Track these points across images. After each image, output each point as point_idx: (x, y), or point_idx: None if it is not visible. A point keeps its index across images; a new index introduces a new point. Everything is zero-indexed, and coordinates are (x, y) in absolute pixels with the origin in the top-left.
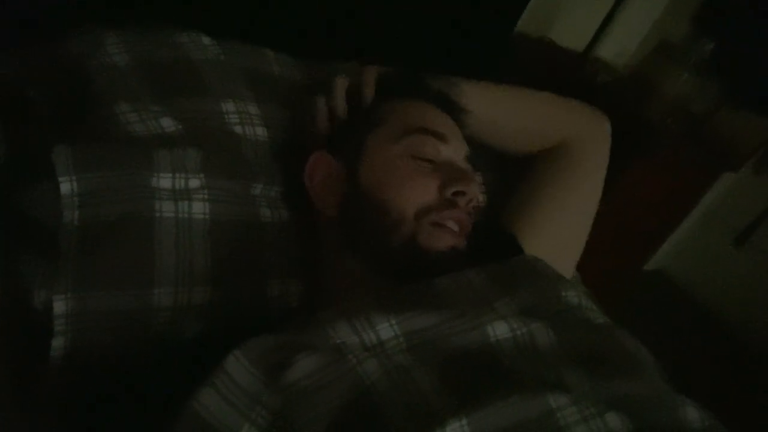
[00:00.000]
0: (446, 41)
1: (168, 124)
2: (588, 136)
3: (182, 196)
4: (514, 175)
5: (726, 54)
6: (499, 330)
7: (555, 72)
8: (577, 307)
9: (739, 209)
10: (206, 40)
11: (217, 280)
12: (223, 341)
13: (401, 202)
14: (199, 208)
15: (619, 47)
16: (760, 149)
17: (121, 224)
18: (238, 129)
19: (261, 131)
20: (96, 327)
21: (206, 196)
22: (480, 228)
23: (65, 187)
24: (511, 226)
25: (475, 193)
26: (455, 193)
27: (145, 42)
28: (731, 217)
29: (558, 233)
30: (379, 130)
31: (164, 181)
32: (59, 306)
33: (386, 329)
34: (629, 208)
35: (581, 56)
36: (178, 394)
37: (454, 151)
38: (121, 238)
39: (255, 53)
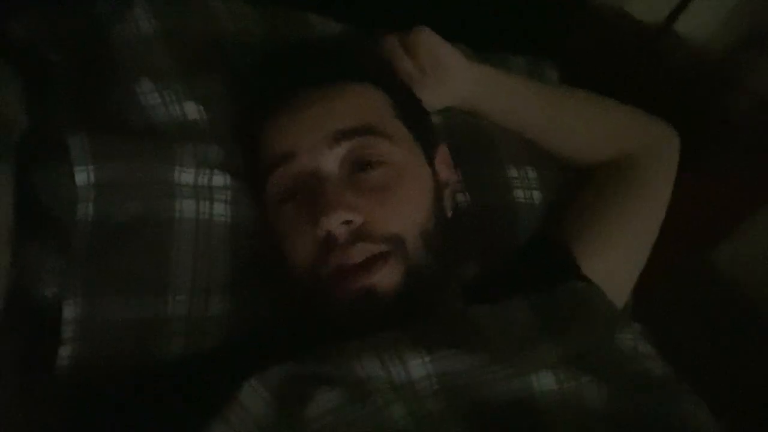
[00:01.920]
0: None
1: (191, 110)
2: (657, 151)
3: (204, 194)
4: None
5: None
6: (545, 381)
7: (626, 48)
8: (633, 355)
9: None
10: (245, 7)
11: (236, 288)
12: (241, 355)
13: (293, 267)
14: (220, 210)
15: (705, 26)
16: None
17: (138, 223)
18: None
19: None
20: (106, 335)
21: (228, 197)
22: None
23: (81, 177)
24: (565, 240)
25: (339, 217)
26: (325, 231)
27: (174, 6)
28: None
29: (618, 255)
30: (257, 173)
31: (186, 176)
32: (68, 311)
33: (418, 367)
34: (698, 205)
35: (657, 32)
36: (190, 412)
37: (310, 157)
38: (137, 240)
39: (297, 18)
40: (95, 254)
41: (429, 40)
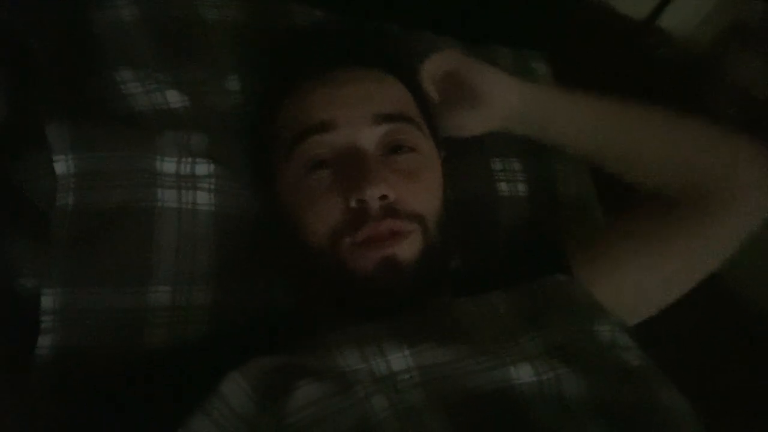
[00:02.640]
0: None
1: (174, 98)
2: (742, 189)
3: (187, 183)
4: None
5: None
6: (523, 372)
7: (612, 41)
8: (611, 346)
9: None
10: None
11: (221, 279)
12: (224, 346)
13: (311, 235)
14: (204, 199)
15: (685, 18)
16: None
17: (119, 213)
18: (241, 111)
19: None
20: (86, 325)
21: (213, 186)
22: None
23: (60, 167)
24: (578, 252)
25: (379, 190)
26: (359, 201)
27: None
28: None
29: (637, 291)
30: (275, 146)
31: (168, 165)
32: (47, 301)
33: (399, 360)
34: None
35: (642, 26)
36: (173, 402)
37: (351, 131)
38: (118, 229)
39: (278, 8)
40: (75, 244)
41: (452, 65)
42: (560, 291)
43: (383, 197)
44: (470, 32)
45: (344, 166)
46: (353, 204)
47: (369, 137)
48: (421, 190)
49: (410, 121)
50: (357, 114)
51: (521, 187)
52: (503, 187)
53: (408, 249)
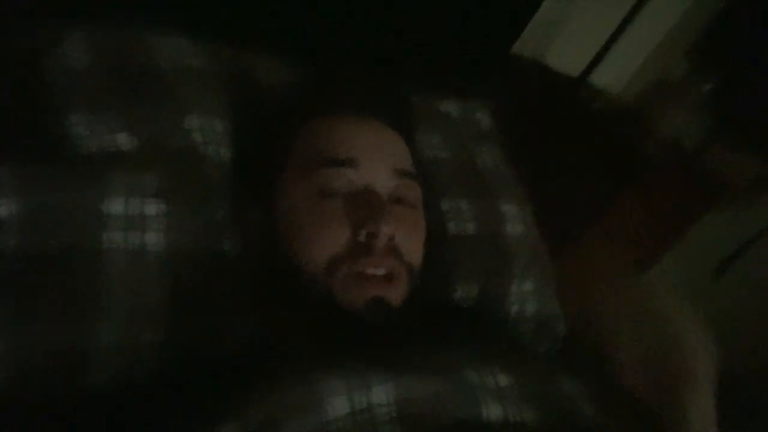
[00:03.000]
0: (439, 59)
1: (124, 141)
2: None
3: (135, 224)
4: None
5: (722, 92)
6: (493, 411)
7: (549, 95)
8: (573, 398)
9: (721, 241)
10: (184, 42)
11: (172, 317)
12: (176, 384)
13: (309, 257)
14: (153, 239)
15: (616, 76)
16: (749, 185)
17: (63, 255)
18: (201, 149)
19: (226, 152)
20: (30, 367)
21: (163, 225)
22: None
23: (4, 210)
24: None
25: (390, 230)
26: (369, 235)
27: (110, 42)
28: (712, 249)
29: None
30: (289, 164)
31: (116, 206)
32: None
33: (380, 393)
34: (621, 238)
35: (577, 82)
36: None
37: (371, 173)
38: (62, 271)
39: (239, 59)
40: (18, 286)
41: None
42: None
43: (391, 237)
44: (412, 85)
45: (359, 202)
46: (362, 237)
47: (385, 185)
48: (416, 243)
49: (416, 178)
50: (378, 162)
51: (470, 226)
52: (452, 226)
53: (395, 293)
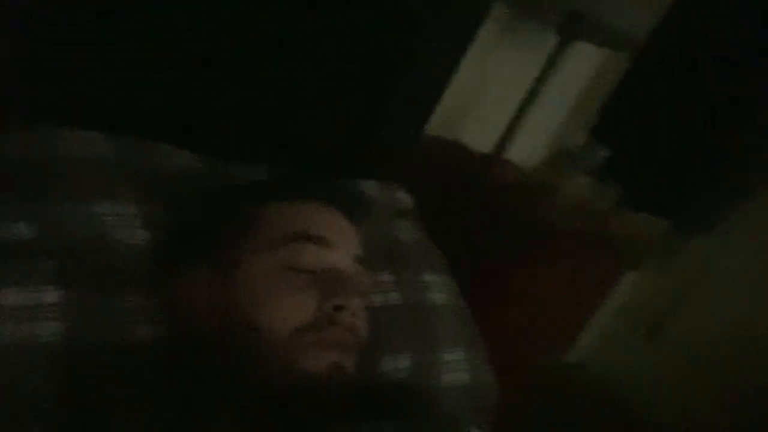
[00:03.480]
0: (352, 146)
1: (24, 230)
2: None
3: (29, 315)
4: None
5: (621, 160)
6: None
7: (464, 173)
8: None
9: (648, 304)
10: (96, 135)
11: (67, 417)
12: None
13: (274, 324)
14: (49, 329)
15: (527, 151)
16: (657, 247)
17: None
18: (112, 232)
19: (141, 234)
20: None
21: (63, 314)
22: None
23: None
24: None
25: (358, 304)
26: (336, 308)
27: (19, 139)
28: (642, 312)
29: None
30: (254, 237)
31: (10, 297)
32: None
33: None
34: (541, 303)
35: (489, 158)
36: None
37: (340, 255)
38: None
39: (150, 147)
40: None
41: None
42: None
43: (353, 314)
44: (325, 166)
45: (327, 278)
46: (328, 309)
47: (350, 268)
48: (365, 322)
49: (368, 267)
50: (350, 248)
51: (393, 296)
52: (376, 298)
53: (351, 363)
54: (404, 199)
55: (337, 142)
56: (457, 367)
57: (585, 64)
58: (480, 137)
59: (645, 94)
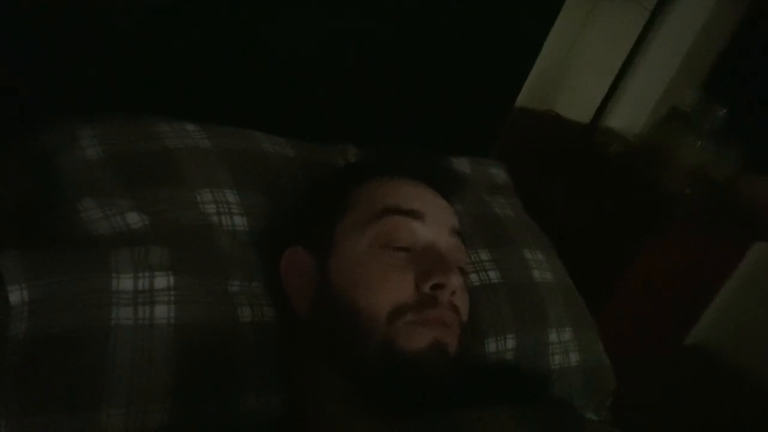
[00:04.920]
0: (443, 118)
1: (134, 219)
2: None
3: (144, 299)
4: None
5: (740, 119)
6: None
7: (562, 144)
8: None
9: None
10: (190, 126)
11: (179, 396)
12: None
13: (372, 305)
14: (162, 312)
15: (629, 117)
16: None
17: (71, 336)
18: (214, 219)
19: (240, 220)
20: None
21: (173, 298)
22: None
23: (15, 297)
24: None
25: (457, 283)
26: (434, 287)
27: (120, 134)
28: None
29: None
30: (347, 218)
31: (125, 283)
32: None
33: None
34: (658, 282)
35: (589, 128)
36: None
37: (435, 229)
38: (70, 353)
39: (243, 135)
40: (25, 372)
41: None
42: (571, 418)
43: (454, 292)
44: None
45: (424, 255)
46: (426, 289)
47: (446, 243)
48: (466, 302)
49: (464, 241)
50: (440, 219)
51: (492, 275)
52: (474, 278)
53: (452, 342)
54: (499, 174)
55: (426, 120)
56: (566, 347)
57: (693, 13)
58: (579, 106)
59: (764, 41)
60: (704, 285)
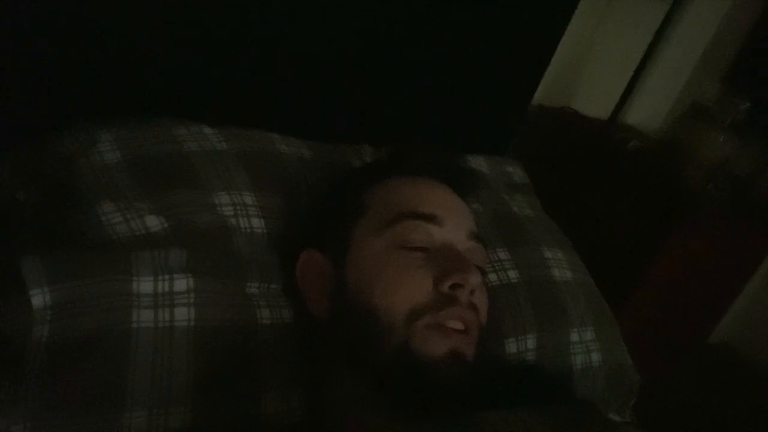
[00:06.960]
0: (458, 116)
1: (153, 223)
2: None
3: (164, 301)
4: None
5: (764, 112)
6: None
7: (580, 141)
8: None
9: None
10: (207, 129)
11: (201, 397)
12: None
13: (390, 305)
14: (182, 314)
15: (649, 112)
16: None
17: (93, 339)
18: (232, 222)
19: (257, 222)
20: None
21: (192, 300)
22: None
23: (37, 300)
24: None
25: (476, 282)
26: (453, 286)
27: (138, 137)
28: None
29: None
30: (364, 219)
31: (145, 285)
32: None
33: None
34: (680, 280)
35: (608, 124)
36: None
37: (452, 232)
38: (91, 356)
39: (260, 136)
40: (47, 375)
41: None
42: (594, 416)
43: (472, 291)
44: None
45: (441, 256)
46: (445, 288)
47: (463, 245)
48: (485, 302)
49: (483, 242)
50: (458, 221)
51: (511, 275)
52: (493, 277)
53: (469, 350)
54: (516, 172)
55: (443, 118)
56: (588, 347)
57: (713, 5)
58: (596, 102)
59: None
60: (728, 282)
